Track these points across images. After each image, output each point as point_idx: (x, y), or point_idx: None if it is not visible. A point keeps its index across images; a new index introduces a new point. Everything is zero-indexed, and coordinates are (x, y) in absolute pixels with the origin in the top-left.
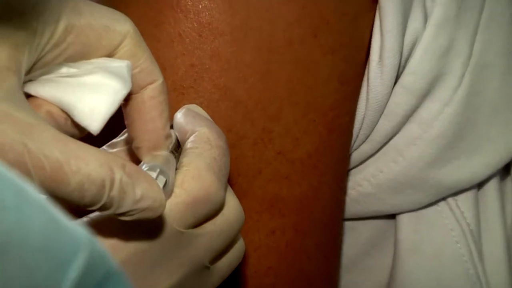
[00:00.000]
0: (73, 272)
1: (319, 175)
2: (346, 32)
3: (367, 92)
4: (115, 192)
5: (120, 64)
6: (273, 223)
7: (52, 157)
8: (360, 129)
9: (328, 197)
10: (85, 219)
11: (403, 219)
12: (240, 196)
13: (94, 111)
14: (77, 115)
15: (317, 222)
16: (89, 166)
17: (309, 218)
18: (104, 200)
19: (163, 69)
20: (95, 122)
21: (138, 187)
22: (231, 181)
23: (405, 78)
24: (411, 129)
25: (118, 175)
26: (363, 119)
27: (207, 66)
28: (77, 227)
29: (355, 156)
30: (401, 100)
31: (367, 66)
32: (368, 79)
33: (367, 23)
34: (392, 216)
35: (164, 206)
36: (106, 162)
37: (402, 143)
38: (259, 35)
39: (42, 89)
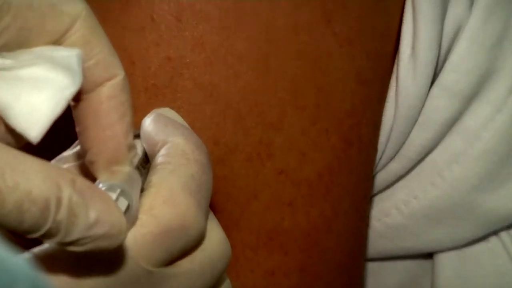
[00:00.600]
0: None
1: (332, 201)
2: (368, 17)
3: (396, 94)
4: (62, 214)
5: (68, 53)
6: (272, 261)
7: None
8: (387, 142)
9: (344, 230)
10: (35, 250)
11: (442, 259)
12: (229, 227)
13: (34, 113)
14: (12, 117)
15: (330, 262)
16: (29, 182)
17: (319, 256)
18: (48, 224)
19: (130, 62)
20: (34, 127)
21: (92, 209)
22: (216, 207)
23: (445, 77)
24: (453, 143)
25: (66, 193)
26: (391, 129)
27: (188, 60)
28: (15, 259)
29: (381, 178)
30: (440, 104)
31: (395, 62)
32: (397, 78)
33: (396, 7)
34: (429, 256)
35: (125, 233)
36: (51, 177)
37: (441, 161)
38: (255, 20)
39: None
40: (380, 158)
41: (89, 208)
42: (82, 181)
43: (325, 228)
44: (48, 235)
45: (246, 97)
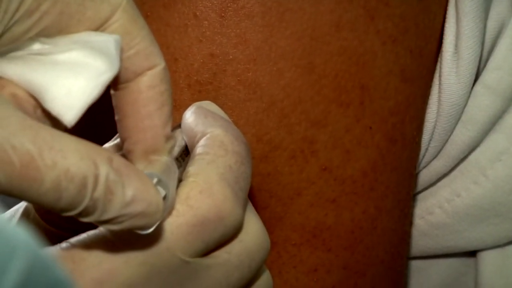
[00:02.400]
0: (7, 282)
1: (376, 199)
2: (411, 15)
3: (439, 92)
4: (99, 192)
5: (106, 39)
6: (315, 258)
7: (22, 149)
8: (430, 140)
9: (388, 228)
10: (63, 244)
11: (485, 257)
12: (272, 223)
13: (70, 97)
14: (48, 101)
15: (374, 259)
16: (67, 160)
17: (362, 254)
18: (85, 202)
19: (173, 59)
20: (70, 111)
21: (129, 187)
22: (260, 204)
23: (487, 75)
24: (496, 141)
25: (104, 170)
26: (434, 127)
27: (231, 57)
28: (15, 229)
29: (424, 176)
30: (483, 102)
31: (438, 60)
32: (440, 76)
33: (439, 5)
34: (472, 254)
35: (161, 212)
36: (88, 155)
37: (484, 159)
38: (299, 18)
39: (8, 67)
40: (423, 156)
41: (126, 186)
42: (119, 159)
43: (368, 225)
44: (85, 213)
45: (290, 94)
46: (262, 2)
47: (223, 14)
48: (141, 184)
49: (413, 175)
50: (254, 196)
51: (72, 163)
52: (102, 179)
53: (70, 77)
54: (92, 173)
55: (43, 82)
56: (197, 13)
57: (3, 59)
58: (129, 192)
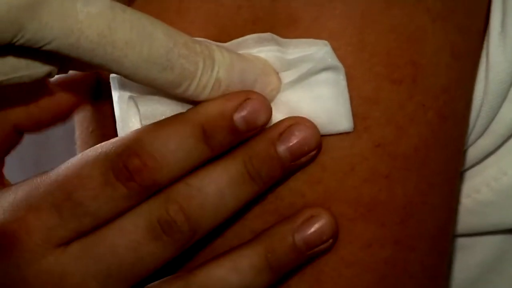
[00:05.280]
0: None
1: (428, 175)
2: None
3: (486, 70)
4: None
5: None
6: (369, 233)
7: None
8: (477, 118)
9: (438, 204)
10: None
11: None
12: (327, 198)
13: None
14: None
15: (424, 234)
16: None
17: (414, 229)
18: None
19: (226, 40)
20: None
21: None
22: (313, 179)
23: None
24: None
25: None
26: (481, 105)
27: (283, 37)
28: None
29: (471, 154)
30: None
31: (486, 38)
32: (487, 54)
33: None
34: None
35: None
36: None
37: None
38: None
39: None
40: (470, 134)
41: None
42: None
43: (420, 201)
44: None
45: None
46: None
47: None
48: None
49: (462, 153)
50: (307, 170)
51: None
52: None
53: None
54: None
55: None
56: None
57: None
58: None
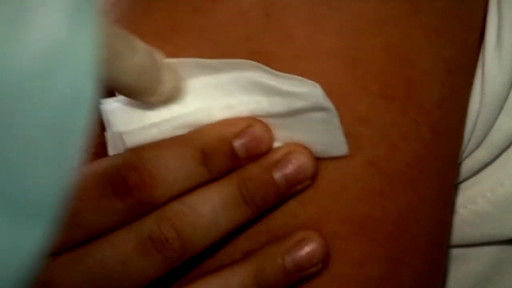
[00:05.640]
0: None
1: (421, 190)
2: (453, 8)
3: (482, 83)
4: None
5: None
6: (361, 251)
7: None
8: (473, 130)
9: (430, 218)
10: None
11: None
12: (320, 218)
13: None
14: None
15: (417, 250)
16: None
17: (406, 244)
18: None
19: (220, 56)
20: None
21: None
22: (306, 200)
23: None
24: None
25: None
26: (477, 117)
27: (276, 55)
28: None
29: (467, 165)
30: None
31: (481, 51)
32: (483, 67)
33: None
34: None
35: None
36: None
37: None
38: (342, 14)
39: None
40: (466, 146)
41: None
42: None
43: (412, 216)
44: None
45: (334, 90)
46: (307, 0)
47: (269, 12)
48: None
49: (456, 166)
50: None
51: None
52: None
53: None
54: None
55: None
56: (243, 10)
57: None
58: None
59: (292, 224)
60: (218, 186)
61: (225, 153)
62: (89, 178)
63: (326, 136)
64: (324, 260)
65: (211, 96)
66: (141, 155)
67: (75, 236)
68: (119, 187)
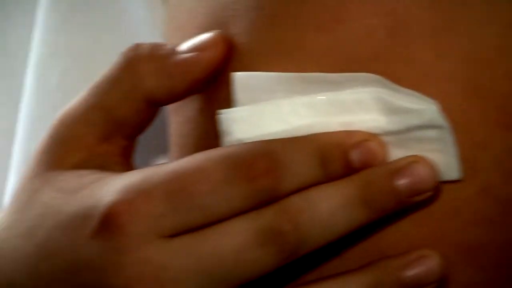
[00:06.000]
0: None
1: None
2: None
3: None
4: None
5: None
6: (468, 277)
7: None
8: None
9: None
10: None
11: None
12: (432, 242)
13: None
14: None
15: None
16: None
17: (508, 272)
18: None
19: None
20: None
21: None
22: (418, 220)
23: None
24: None
25: None
26: None
27: (399, 76)
28: None
29: None
30: None
31: None
32: None
33: None
34: None
35: None
36: None
37: None
38: (464, 40)
39: None
40: None
41: None
42: None
43: None
44: None
45: (453, 115)
46: (433, 24)
47: (393, 33)
48: None
49: None
50: (412, 211)
51: None
52: None
53: None
54: None
55: None
56: (368, 31)
57: None
58: None
59: (404, 243)
60: (339, 185)
61: (341, 160)
62: (213, 161)
63: (440, 155)
64: (439, 280)
65: (329, 112)
66: (268, 144)
67: (191, 219)
68: (244, 172)
